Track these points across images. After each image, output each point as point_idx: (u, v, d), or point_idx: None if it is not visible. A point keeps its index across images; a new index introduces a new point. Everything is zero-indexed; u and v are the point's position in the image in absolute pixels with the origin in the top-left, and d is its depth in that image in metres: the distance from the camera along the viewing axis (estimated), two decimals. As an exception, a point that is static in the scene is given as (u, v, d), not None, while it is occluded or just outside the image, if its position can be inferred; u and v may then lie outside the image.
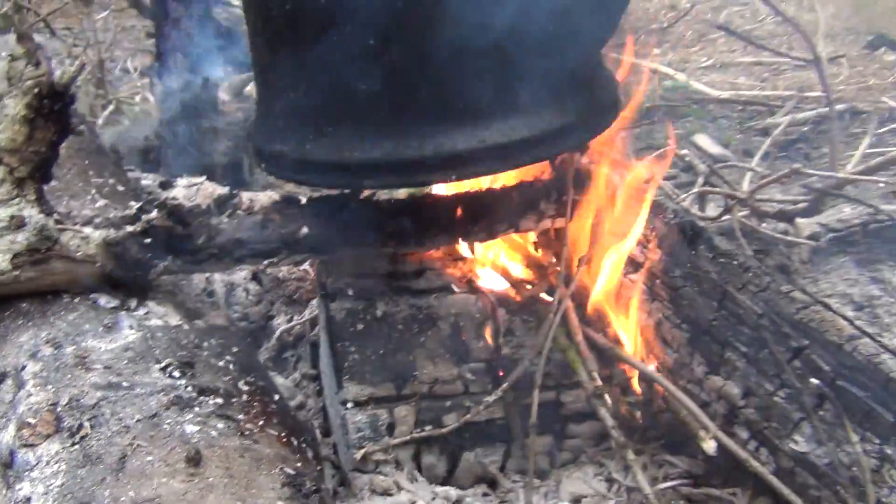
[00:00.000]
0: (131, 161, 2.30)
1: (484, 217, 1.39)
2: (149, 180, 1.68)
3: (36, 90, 1.15)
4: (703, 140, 2.96)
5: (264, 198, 1.54)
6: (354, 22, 1.16)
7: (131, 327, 1.15)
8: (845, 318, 1.15)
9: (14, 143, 1.15)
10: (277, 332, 1.63)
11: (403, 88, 1.17)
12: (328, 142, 1.22)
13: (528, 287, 1.45)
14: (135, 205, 1.25)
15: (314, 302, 1.64)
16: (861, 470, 1.06)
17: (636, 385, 1.37)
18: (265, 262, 1.28)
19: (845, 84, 3.64)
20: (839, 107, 3.18)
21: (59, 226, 1.17)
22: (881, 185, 2.29)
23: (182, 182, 1.69)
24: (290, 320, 1.64)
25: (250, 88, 3.01)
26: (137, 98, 3.43)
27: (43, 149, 1.17)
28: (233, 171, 2.27)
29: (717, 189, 1.45)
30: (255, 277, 1.68)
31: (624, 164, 1.50)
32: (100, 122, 3.22)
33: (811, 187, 1.38)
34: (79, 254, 1.17)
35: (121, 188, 1.51)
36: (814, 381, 1.11)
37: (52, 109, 1.16)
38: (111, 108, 3.40)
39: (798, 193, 2.03)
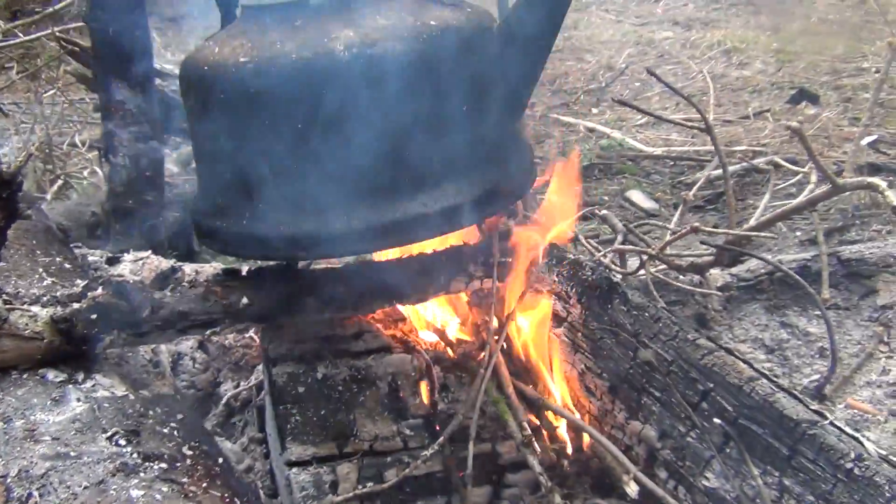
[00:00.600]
0: (79, 236, 2.36)
1: (416, 281, 1.48)
2: (96, 256, 1.74)
3: (-16, 178, 1.22)
4: (636, 196, 3.12)
5: (210, 269, 1.61)
6: (281, 109, 1.26)
7: (78, 399, 1.20)
8: (745, 360, 1.25)
9: (-37, 229, 1.22)
10: (224, 399, 1.68)
11: (331, 168, 1.27)
12: (264, 217, 1.31)
13: (462, 344, 1.54)
14: (81, 283, 1.31)
15: (259, 368, 1.71)
16: (763, 501, 1.15)
17: (563, 434, 1.46)
18: (208, 332, 1.35)
19: (770, 137, 3.86)
20: (762, 160, 3.38)
21: (8, 306, 1.24)
22: (798, 233, 2.45)
23: (128, 257, 1.75)
24: (236, 386, 1.71)
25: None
26: (86, 172, 3.49)
27: (-9, 233, 1.24)
28: (181, 242, 2.34)
29: (631, 247, 1.56)
30: (202, 346, 1.74)
31: (546, 224, 1.61)
32: (48, 197, 3.27)
33: (710, 243, 1.50)
34: (27, 331, 1.23)
35: (68, 266, 1.57)
36: (717, 421, 1.21)
37: (0, 197, 1.23)
38: (59, 183, 3.46)
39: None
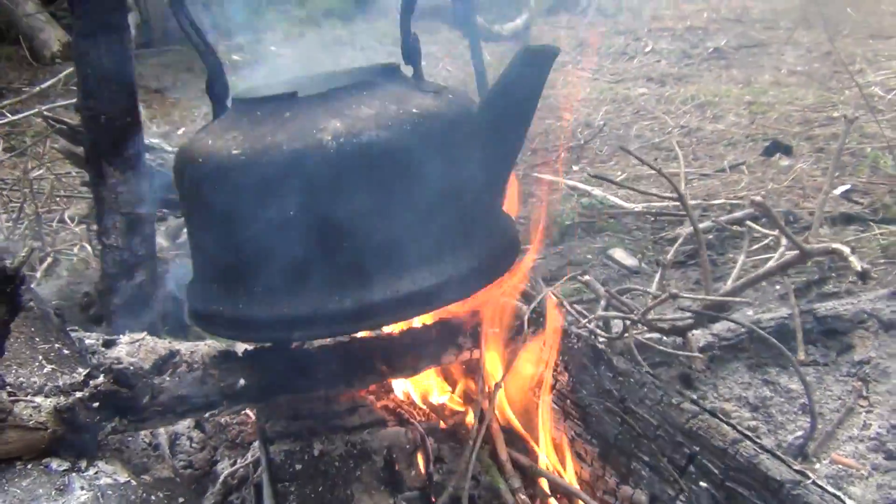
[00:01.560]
0: (72, 316, 2.39)
1: (407, 355, 1.52)
2: (92, 339, 1.77)
3: (-12, 274, 1.27)
4: (619, 254, 3.19)
5: (204, 348, 1.65)
6: (272, 198, 1.32)
7: (82, 488, 1.23)
8: (728, 422, 1.30)
9: (-33, 325, 1.26)
10: (221, 477, 1.70)
11: (322, 253, 1.32)
12: (259, 301, 1.36)
13: (454, 415, 1.58)
14: (82, 371, 1.35)
15: (256, 444, 1.73)
16: (752, 563, 1.18)
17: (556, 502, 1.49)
18: (206, 414, 1.38)
19: (746, 190, 3.95)
20: (741, 213, 3.46)
21: (12, 397, 1.27)
22: (777, 287, 2.52)
23: (124, 339, 1.79)
24: (233, 464, 1.73)
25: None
26: (76, 249, 3.53)
27: (-5, 328, 1.28)
28: (173, 318, 2.38)
29: (614, 313, 1.62)
30: (198, 425, 1.77)
31: (532, 294, 1.67)
32: (38, 275, 3.30)
33: (688, 309, 1.56)
34: (31, 422, 1.26)
35: (66, 352, 1.61)
36: (703, 484, 1.25)
37: (4, 291, 1.27)
38: (49, 260, 3.49)
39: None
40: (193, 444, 1.73)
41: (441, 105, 1.43)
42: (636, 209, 3.79)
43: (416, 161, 1.36)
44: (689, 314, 1.60)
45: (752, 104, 5.46)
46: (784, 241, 1.80)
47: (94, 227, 3.74)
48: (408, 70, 1.53)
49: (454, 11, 2.92)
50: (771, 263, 1.66)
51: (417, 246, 1.37)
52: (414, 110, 1.39)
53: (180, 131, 5.98)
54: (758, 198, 1.38)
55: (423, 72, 1.52)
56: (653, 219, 3.75)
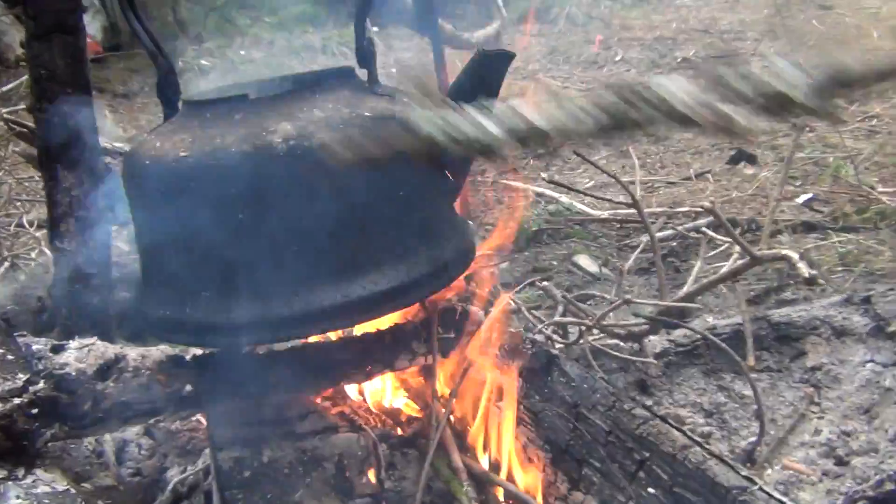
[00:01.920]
0: (24, 322, 2.34)
1: (360, 360, 1.50)
2: (40, 345, 1.73)
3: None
4: (583, 260, 3.19)
5: (157, 353, 1.62)
6: (221, 201, 1.30)
7: (18, 497, 1.20)
8: (678, 428, 1.29)
9: None
10: (171, 485, 1.67)
11: (271, 256, 1.31)
12: (205, 305, 1.34)
13: (410, 421, 1.56)
14: (22, 377, 1.32)
15: (207, 451, 1.70)
16: (699, 569, 1.18)
17: (510, 507, 1.48)
18: (151, 420, 1.35)
19: (711, 197, 3.98)
20: (703, 221, 3.49)
21: (-53, 404, 1.24)
22: (751, 291, 2.53)
23: (73, 345, 1.75)
24: (183, 471, 1.69)
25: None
26: (34, 253, 3.47)
27: (-69, 332, 1.24)
28: (129, 323, 2.34)
29: (570, 319, 1.62)
30: (148, 432, 1.73)
31: (488, 299, 1.66)
32: (-5, 278, 3.24)
33: (642, 314, 1.56)
34: (-34, 429, 1.23)
35: (10, 357, 1.57)
36: (652, 490, 1.25)
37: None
38: (6, 265, 3.43)
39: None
40: (142, 451, 1.69)
41: (395, 108, 1.41)
42: (602, 216, 3.80)
43: (368, 164, 1.35)
44: (644, 320, 1.60)
45: (719, 114, 5.51)
46: (737, 248, 1.81)
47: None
48: (363, 74, 1.52)
49: (416, 15, 2.91)
50: (724, 270, 1.67)
51: (368, 250, 1.36)
52: (366, 113, 1.37)
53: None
54: (707, 203, 1.39)
55: (377, 75, 1.50)
56: (618, 226, 3.76)
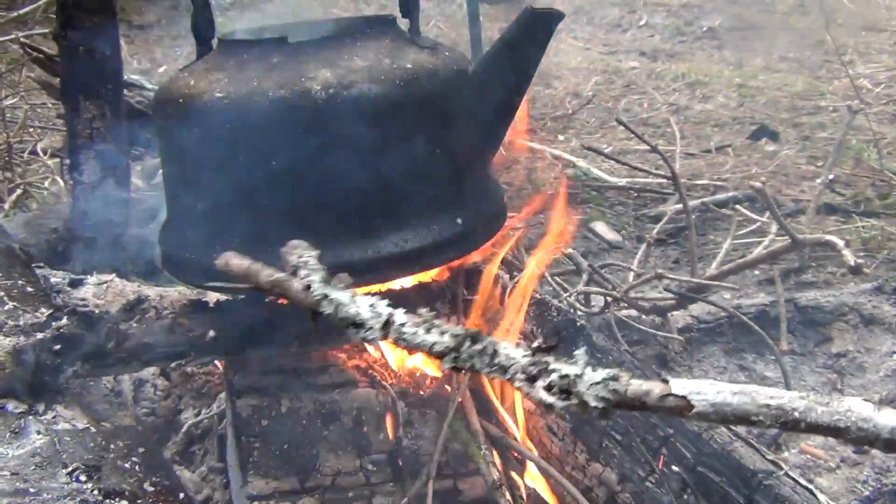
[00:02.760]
0: (39, 252, 2.32)
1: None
2: (58, 278, 1.71)
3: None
4: (600, 227, 3.16)
5: (175, 294, 1.60)
6: (255, 146, 1.27)
7: (38, 432, 1.19)
8: (704, 409, 1.28)
9: (-73, 256, 1.20)
10: (185, 427, 1.67)
11: (301, 205, 1.28)
12: (232, 251, 1.31)
13: (427, 379, 1.55)
14: (45, 311, 1.30)
15: (222, 396, 1.70)
16: (718, 549, 1.18)
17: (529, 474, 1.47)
18: (173, 364, 1.34)
19: (731, 172, 3.93)
20: (724, 195, 3.45)
21: (-30, 334, 1.22)
22: (756, 272, 2.51)
23: (91, 280, 1.73)
24: (197, 414, 1.69)
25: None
26: (47, 182, 3.43)
27: (-45, 260, 1.22)
28: (143, 260, 2.32)
29: (596, 289, 1.59)
30: (164, 373, 1.73)
31: (513, 262, 1.63)
32: (6, 206, 3.21)
33: (672, 290, 1.54)
34: (-12, 361, 1.21)
35: (30, 289, 1.55)
36: (674, 468, 1.24)
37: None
38: (19, 192, 3.39)
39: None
40: (158, 392, 1.69)
41: (437, 62, 1.38)
42: (619, 183, 3.76)
43: (407, 118, 1.32)
44: (671, 295, 1.58)
45: (741, 87, 5.42)
46: (774, 227, 1.78)
47: (67, 161, 3.64)
48: (404, 24, 1.47)
49: None
50: (760, 251, 1.64)
51: (400, 207, 1.33)
52: (408, 65, 1.33)
53: (161, 69, 5.83)
54: (757, 184, 1.35)
55: (419, 26, 1.46)
56: (635, 194, 3.73)
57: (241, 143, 1.29)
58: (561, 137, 4.75)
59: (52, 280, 1.71)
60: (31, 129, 4.07)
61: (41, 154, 3.76)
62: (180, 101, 1.34)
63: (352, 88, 1.27)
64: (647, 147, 4.51)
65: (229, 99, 1.28)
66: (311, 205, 1.30)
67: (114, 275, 1.76)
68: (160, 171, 2.79)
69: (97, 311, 1.30)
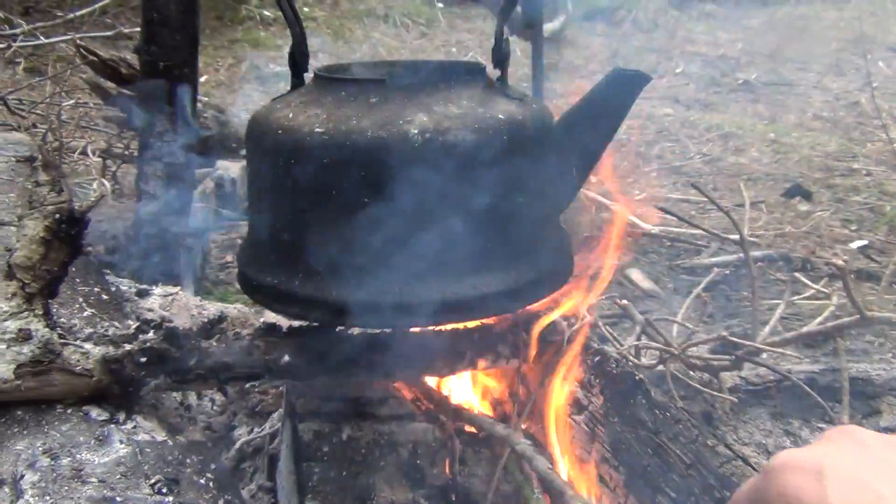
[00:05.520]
0: (103, 260, 2.38)
1: (446, 355, 1.52)
2: (125, 286, 1.76)
3: (56, 215, 1.26)
4: (636, 275, 3.20)
5: (234, 311, 1.65)
6: (350, 182, 1.32)
7: (121, 441, 1.23)
8: (762, 474, 1.31)
9: (29, 262, 1.25)
10: (238, 444, 1.71)
11: (388, 244, 1.32)
12: (316, 281, 1.36)
13: (486, 420, 1.58)
14: (132, 324, 1.34)
15: (275, 416, 1.74)
16: None
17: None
18: (248, 384, 1.38)
19: (763, 229, 3.97)
20: (757, 253, 3.49)
21: (62, 340, 1.26)
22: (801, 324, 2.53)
23: (158, 291, 1.78)
24: (250, 432, 1.73)
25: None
26: (95, 184, 3.50)
27: (55, 268, 1.27)
28: (191, 272, 2.38)
29: (654, 344, 1.63)
30: (221, 388, 1.76)
31: (573, 309, 1.67)
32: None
33: (732, 352, 1.57)
34: (78, 368, 1.26)
35: (105, 297, 1.60)
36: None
37: (68, 233, 1.26)
38: (57, 163, 3.46)
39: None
40: (215, 407, 1.73)
41: (525, 114, 1.42)
42: (653, 231, 3.80)
43: (495, 167, 1.36)
44: (725, 354, 1.62)
45: (774, 142, 5.46)
46: (835, 299, 1.82)
47: (114, 162, 3.71)
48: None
49: (522, 10, 2.87)
50: (822, 319, 1.67)
51: (482, 251, 1.37)
52: (500, 116, 1.38)
53: (203, 79, 5.92)
54: (839, 262, 1.39)
55: (508, 77, 1.51)
56: (669, 243, 3.77)
57: (336, 178, 1.33)
58: (593, 179, 4.78)
59: (122, 287, 1.76)
60: (79, 130, 4.14)
61: (90, 154, 3.84)
62: (279, 132, 1.38)
63: (447, 134, 1.32)
64: (677, 198, 4.56)
65: (328, 135, 1.33)
66: (397, 243, 1.34)
67: (179, 288, 1.81)
68: (215, 185, 2.84)
69: (181, 329, 1.34)
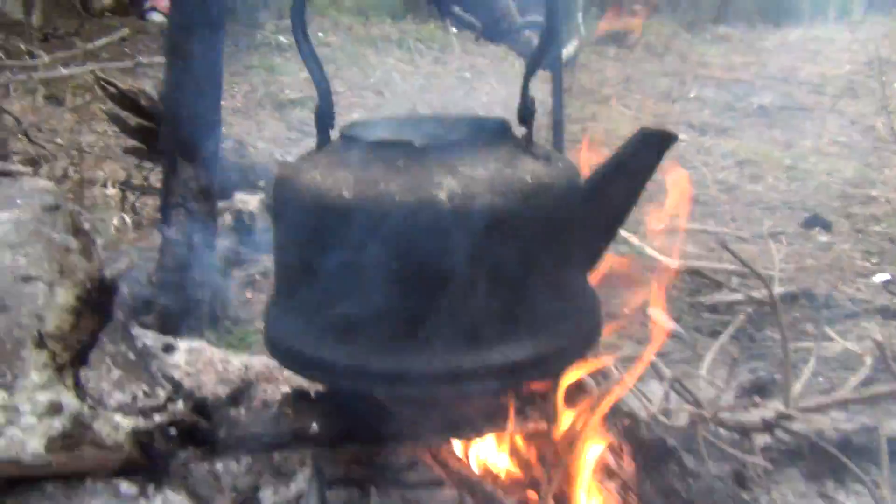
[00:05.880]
0: (128, 306, 2.38)
1: (475, 417, 1.51)
2: (150, 339, 1.75)
3: (87, 284, 1.25)
4: (657, 314, 3.15)
5: (277, 373, 1.64)
6: (377, 248, 1.31)
7: (151, 517, 1.21)
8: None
9: (60, 331, 1.24)
10: (264, 504, 1.68)
11: (416, 310, 1.31)
12: (345, 349, 1.34)
13: (512, 486, 1.56)
14: (161, 393, 1.33)
15: (300, 476, 1.71)
16: None
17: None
18: (275, 453, 1.37)
19: (785, 263, 3.90)
20: (780, 290, 3.44)
21: (92, 411, 1.25)
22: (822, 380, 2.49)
23: (183, 346, 1.77)
24: (275, 492, 1.70)
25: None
26: (115, 219, 3.49)
27: (85, 337, 1.26)
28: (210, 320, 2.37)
29: (687, 407, 1.61)
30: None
31: (601, 370, 1.65)
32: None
33: (764, 417, 1.55)
34: (109, 441, 1.24)
35: (132, 356, 1.58)
36: None
37: (99, 301, 1.26)
38: (86, 226, 3.46)
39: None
40: (241, 467, 1.71)
41: (552, 174, 1.41)
42: (672, 266, 3.76)
43: (522, 231, 1.35)
44: (757, 417, 1.59)
45: (791, 168, 5.40)
46: (869, 359, 1.79)
47: (135, 195, 3.71)
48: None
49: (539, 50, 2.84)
50: (856, 384, 1.65)
51: (511, 318, 1.36)
52: (528, 178, 1.37)
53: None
54: (878, 337, 1.37)
55: (533, 135, 1.49)
56: (689, 278, 3.72)
57: (364, 243, 1.32)
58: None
59: (146, 341, 1.75)
60: (97, 159, 4.16)
61: (110, 187, 3.84)
62: (306, 195, 1.37)
63: (476, 200, 1.31)
64: (696, 229, 4.51)
65: (356, 199, 1.32)
66: (426, 310, 1.32)
67: (204, 342, 1.80)
68: (232, 226, 2.84)
69: (210, 398, 1.33)
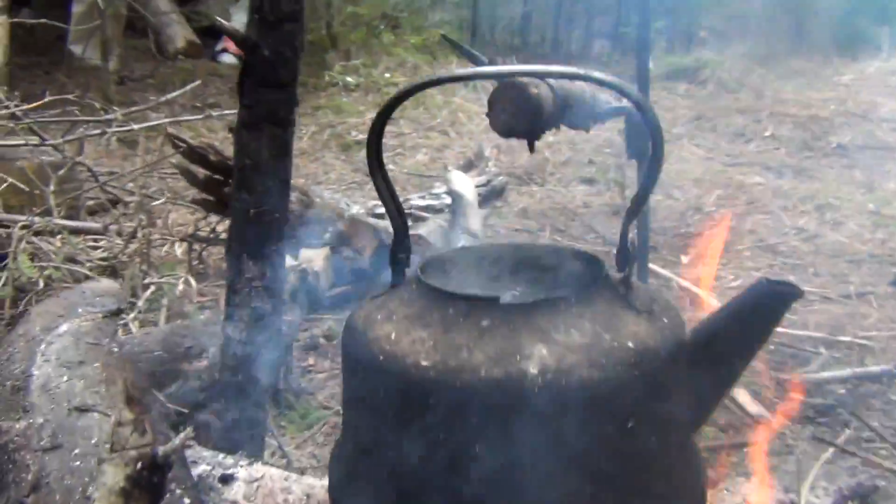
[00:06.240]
0: (171, 374, 2.32)
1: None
2: (206, 466, 1.67)
3: (138, 463, 1.16)
4: (742, 396, 2.95)
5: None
6: (456, 423, 1.20)
7: None
8: None
9: (111, 516, 1.15)
10: None
11: (497, 493, 1.20)
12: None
13: None
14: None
15: None
16: None
17: None
18: None
19: (876, 329, 3.62)
20: (878, 368, 3.17)
21: None
22: None
23: (242, 475, 1.68)
24: None
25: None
26: (181, 282, 3.44)
27: (138, 519, 1.17)
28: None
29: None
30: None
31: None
32: (140, 303, 3.24)
33: None
34: None
35: (187, 501, 1.49)
36: None
37: (150, 481, 1.16)
38: (152, 289, 3.43)
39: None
40: None
41: (656, 335, 1.26)
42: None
43: (625, 406, 1.21)
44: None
45: (874, 214, 5.10)
46: None
47: (201, 246, 3.67)
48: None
49: (626, 139, 2.71)
50: None
51: (608, 499, 1.22)
52: (629, 344, 1.23)
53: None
54: None
55: (631, 280, 1.35)
56: (772, 347, 3.49)
57: (441, 418, 1.20)
58: (685, 259, 4.54)
59: (201, 468, 1.66)
60: (163, 211, 4.13)
61: (178, 242, 3.80)
62: (381, 357, 1.26)
63: (570, 374, 1.18)
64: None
65: (435, 371, 1.20)
66: (507, 494, 1.20)
67: (265, 471, 1.70)
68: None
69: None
